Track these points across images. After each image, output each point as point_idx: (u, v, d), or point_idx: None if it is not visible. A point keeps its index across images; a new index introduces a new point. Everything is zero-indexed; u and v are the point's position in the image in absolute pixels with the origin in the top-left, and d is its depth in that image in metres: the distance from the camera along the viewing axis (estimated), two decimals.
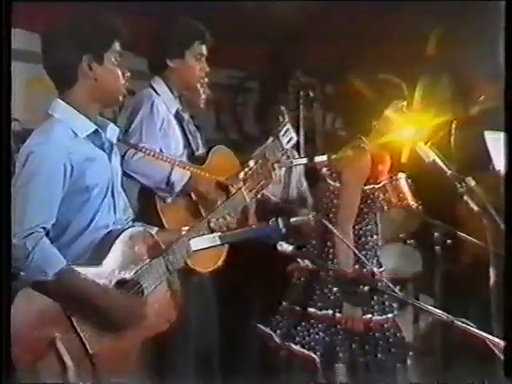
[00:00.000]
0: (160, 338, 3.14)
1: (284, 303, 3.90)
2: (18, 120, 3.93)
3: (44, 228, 2.86)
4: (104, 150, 3.08)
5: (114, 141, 3.15)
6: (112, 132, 3.12)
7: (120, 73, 3.05)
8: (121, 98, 3.09)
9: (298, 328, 3.77)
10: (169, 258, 3.08)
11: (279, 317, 3.87)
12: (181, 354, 3.73)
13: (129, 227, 3.12)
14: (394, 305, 3.79)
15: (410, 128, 3.86)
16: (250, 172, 3.73)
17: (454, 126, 4.86)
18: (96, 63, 3.00)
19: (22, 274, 2.82)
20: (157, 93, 3.84)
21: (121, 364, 2.96)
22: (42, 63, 3.04)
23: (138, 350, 3.01)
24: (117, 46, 3.05)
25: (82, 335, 2.83)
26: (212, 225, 3.32)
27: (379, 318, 3.75)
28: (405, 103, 3.85)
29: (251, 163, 3.76)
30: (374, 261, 3.84)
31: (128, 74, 3.09)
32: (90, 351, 2.85)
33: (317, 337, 3.72)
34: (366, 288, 3.70)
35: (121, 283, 2.97)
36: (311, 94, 6.33)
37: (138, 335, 3.00)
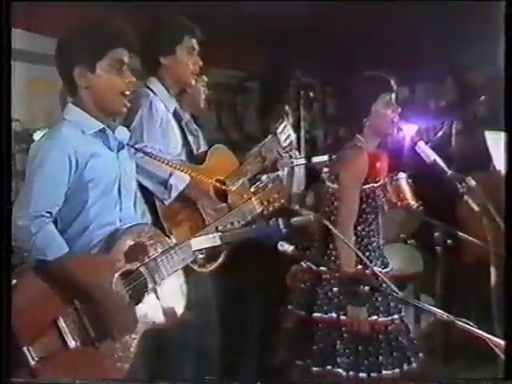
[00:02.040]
0: (160, 338, 3.16)
1: (289, 306, 3.89)
2: (18, 120, 3.94)
3: (50, 213, 2.97)
4: (111, 149, 3.15)
5: (125, 142, 3.23)
6: (122, 134, 3.20)
7: (118, 79, 3.08)
8: (121, 107, 3.14)
9: (302, 339, 3.76)
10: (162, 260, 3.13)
11: (283, 322, 3.87)
12: (180, 354, 3.74)
13: (136, 224, 3.19)
14: (400, 306, 3.77)
15: (410, 126, 3.87)
16: (261, 185, 3.73)
17: (454, 125, 4.86)
18: (89, 72, 3.06)
19: (25, 254, 2.94)
20: (154, 92, 3.85)
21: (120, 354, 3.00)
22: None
23: (135, 341, 3.05)
24: (115, 53, 3.07)
25: (83, 318, 2.89)
26: (220, 228, 3.34)
27: (384, 319, 3.73)
28: (393, 95, 3.82)
29: (263, 177, 3.77)
30: (379, 261, 3.82)
31: (133, 79, 3.13)
32: (92, 334, 2.90)
33: (320, 345, 3.72)
34: (367, 288, 3.69)
35: (125, 274, 3.02)
36: (311, 94, 6.34)
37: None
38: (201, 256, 3.31)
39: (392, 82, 3.82)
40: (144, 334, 3.06)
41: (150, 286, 3.08)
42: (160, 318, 3.13)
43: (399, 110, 3.82)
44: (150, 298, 3.11)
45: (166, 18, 3.92)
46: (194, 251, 3.10)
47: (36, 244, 2.94)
